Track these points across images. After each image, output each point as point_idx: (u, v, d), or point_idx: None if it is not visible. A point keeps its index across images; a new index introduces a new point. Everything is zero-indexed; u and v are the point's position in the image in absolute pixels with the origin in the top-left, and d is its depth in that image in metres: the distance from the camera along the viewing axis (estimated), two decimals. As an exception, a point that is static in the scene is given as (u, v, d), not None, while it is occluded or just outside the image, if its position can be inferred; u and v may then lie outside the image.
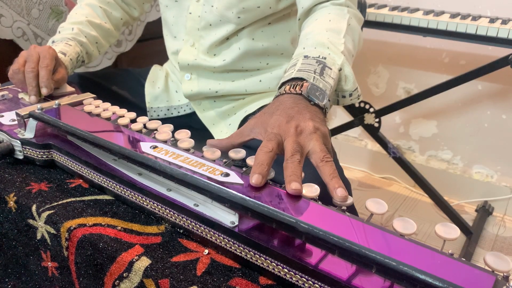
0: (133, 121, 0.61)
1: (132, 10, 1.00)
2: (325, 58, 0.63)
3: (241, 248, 0.45)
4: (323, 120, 0.55)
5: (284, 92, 0.58)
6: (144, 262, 0.46)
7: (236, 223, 0.46)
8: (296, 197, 0.45)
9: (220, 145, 0.54)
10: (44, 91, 0.74)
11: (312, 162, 0.49)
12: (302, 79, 0.59)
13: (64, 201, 0.56)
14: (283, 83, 0.61)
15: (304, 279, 0.41)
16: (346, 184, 0.67)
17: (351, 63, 0.67)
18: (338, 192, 0.44)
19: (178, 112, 0.95)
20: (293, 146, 0.48)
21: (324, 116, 0.56)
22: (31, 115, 0.64)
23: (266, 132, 0.52)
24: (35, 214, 0.54)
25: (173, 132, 0.57)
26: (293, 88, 0.57)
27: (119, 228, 0.51)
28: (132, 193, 0.54)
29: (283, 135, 0.50)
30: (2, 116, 0.70)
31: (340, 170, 0.69)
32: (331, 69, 0.62)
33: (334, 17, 0.70)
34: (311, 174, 0.53)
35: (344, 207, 0.44)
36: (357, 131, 2.03)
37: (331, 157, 0.49)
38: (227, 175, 0.48)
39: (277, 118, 0.53)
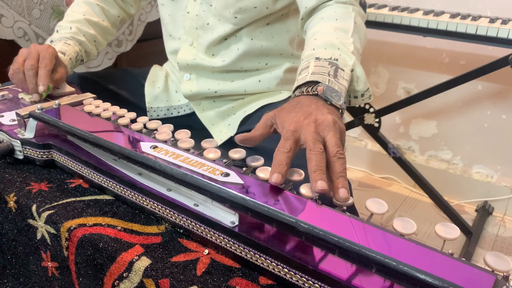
0: (133, 121, 0.61)
1: (129, 8, 1.00)
2: (336, 60, 0.62)
3: (241, 248, 0.45)
4: (340, 118, 0.54)
5: (300, 94, 0.58)
6: (144, 262, 0.46)
7: (236, 223, 0.46)
8: (297, 197, 0.44)
9: (254, 137, 0.54)
10: (41, 89, 0.74)
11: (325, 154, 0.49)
12: (317, 82, 0.58)
13: (64, 201, 0.56)
14: (298, 87, 0.60)
15: (304, 279, 0.41)
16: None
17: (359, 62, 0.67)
18: (340, 193, 0.44)
19: (178, 112, 0.95)
20: (313, 136, 0.48)
21: (341, 116, 0.56)
22: (31, 115, 0.64)
23: (283, 128, 0.52)
24: (35, 214, 0.54)
25: (173, 132, 0.57)
26: (309, 90, 0.57)
27: (119, 228, 0.51)
28: (132, 193, 0.54)
29: (300, 130, 0.50)
30: (2, 116, 0.70)
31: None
32: (343, 70, 0.61)
33: (340, 16, 0.70)
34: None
35: (344, 207, 0.44)
36: (357, 131, 2.03)
37: (344, 153, 0.48)
38: (227, 175, 0.48)
39: (295, 115, 0.52)
